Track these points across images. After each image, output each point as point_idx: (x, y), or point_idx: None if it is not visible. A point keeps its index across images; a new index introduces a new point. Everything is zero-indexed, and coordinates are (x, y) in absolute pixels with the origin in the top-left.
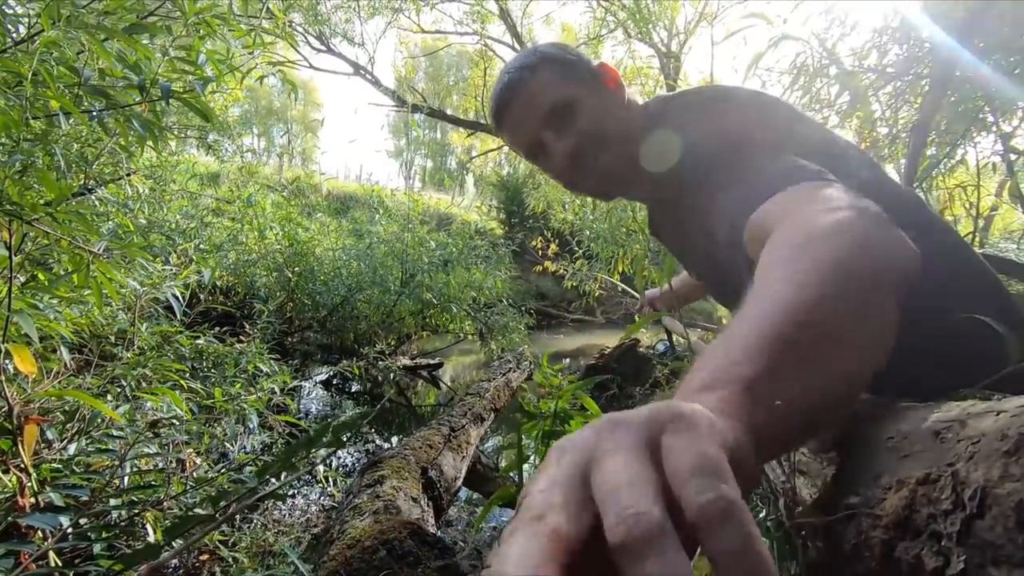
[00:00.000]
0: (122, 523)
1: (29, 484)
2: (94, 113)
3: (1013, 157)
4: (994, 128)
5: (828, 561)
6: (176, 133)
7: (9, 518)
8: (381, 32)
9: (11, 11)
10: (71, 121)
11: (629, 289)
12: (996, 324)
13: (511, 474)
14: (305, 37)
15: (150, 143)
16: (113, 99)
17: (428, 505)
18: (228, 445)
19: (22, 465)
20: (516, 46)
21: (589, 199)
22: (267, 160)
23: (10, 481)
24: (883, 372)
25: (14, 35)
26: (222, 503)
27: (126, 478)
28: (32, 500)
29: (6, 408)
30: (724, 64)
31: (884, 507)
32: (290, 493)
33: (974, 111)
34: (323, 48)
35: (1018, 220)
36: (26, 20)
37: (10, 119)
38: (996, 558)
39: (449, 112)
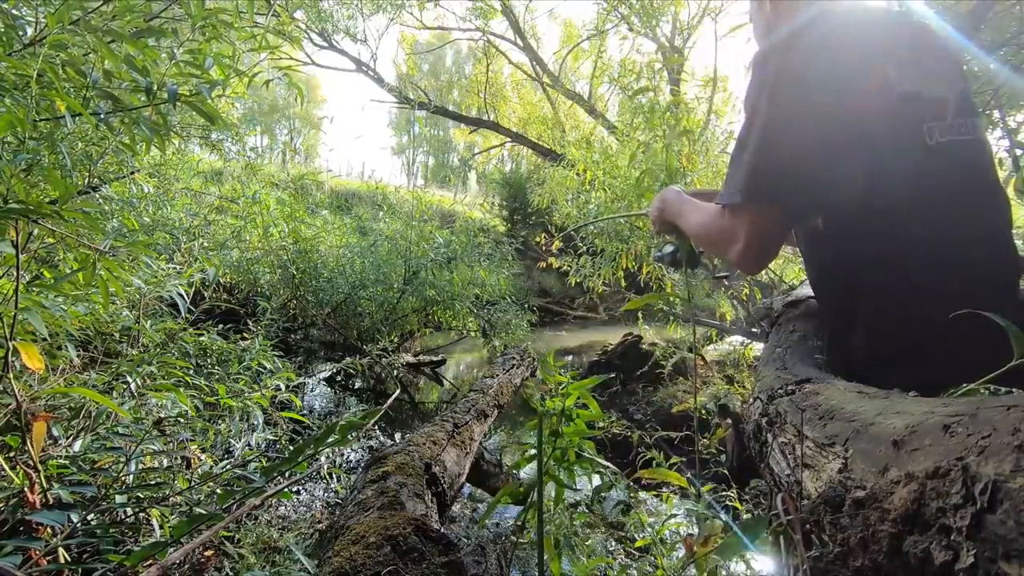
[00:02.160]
0: (128, 520)
1: (38, 481)
2: (101, 116)
3: (1019, 152)
4: (1000, 123)
5: (834, 555)
6: (179, 132)
7: (19, 514)
8: (384, 29)
9: (19, 14)
10: (76, 120)
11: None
12: (999, 319)
13: (515, 472)
14: (307, 34)
15: (156, 145)
16: (120, 102)
17: (432, 501)
18: (233, 442)
19: (30, 462)
20: (519, 42)
21: (591, 197)
22: (269, 158)
23: (17, 477)
24: (898, 361)
25: (24, 39)
26: (229, 501)
27: (131, 475)
28: (40, 497)
29: (14, 405)
30: (729, 58)
31: (892, 501)
32: (295, 489)
33: (980, 106)
34: (325, 45)
35: None
36: (34, 23)
37: (15, 118)
38: (1007, 552)
39: (451, 108)
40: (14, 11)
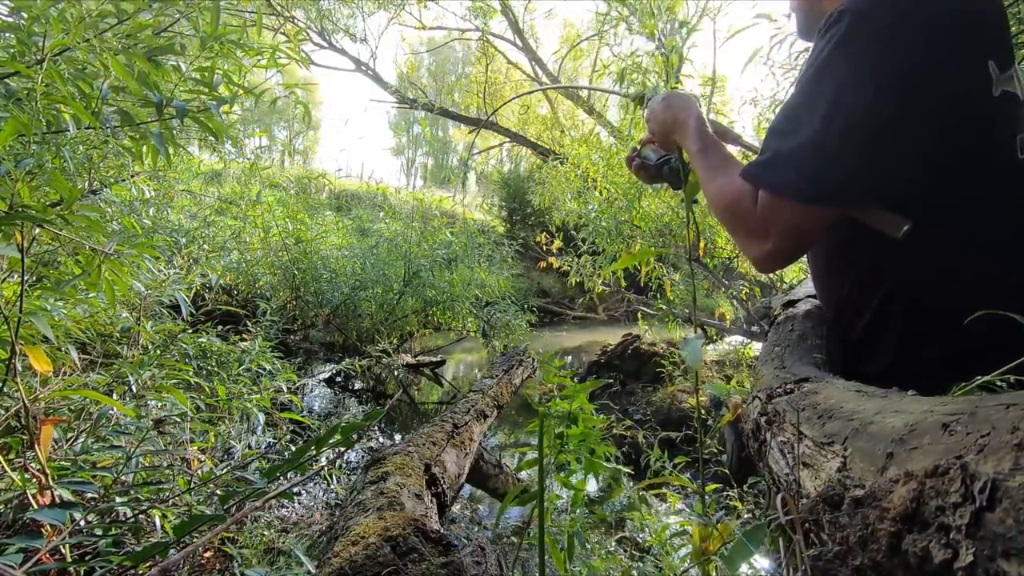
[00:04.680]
0: (129, 520)
1: (46, 483)
2: (109, 128)
3: None
4: None
5: (833, 554)
6: (179, 138)
7: (26, 514)
8: (383, 28)
9: (34, 30)
10: (80, 126)
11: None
12: (1018, 317)
13: (519, 473)
14: (306, 33)
15: (163, 157)
16: (129, 116)
17: (432, 502)
18: (233, 443)
19: (38, 465)
20: (518, 42)
21: (595, 197)
22: (268, 159)
23: (18, 480)
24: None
25: (36, 55)
26: (230, 502)
27: (132, 475)
28: (48, 500)
29: (19, 407)
30: (729, 58)
31: (891, 499)
32: (296, 491)
33: None
34: (324, 45)
35: None
36: (43, 37)
37: (20, 123)
38: (1006, 551)
39: (451, 109)
40: (31, 26)
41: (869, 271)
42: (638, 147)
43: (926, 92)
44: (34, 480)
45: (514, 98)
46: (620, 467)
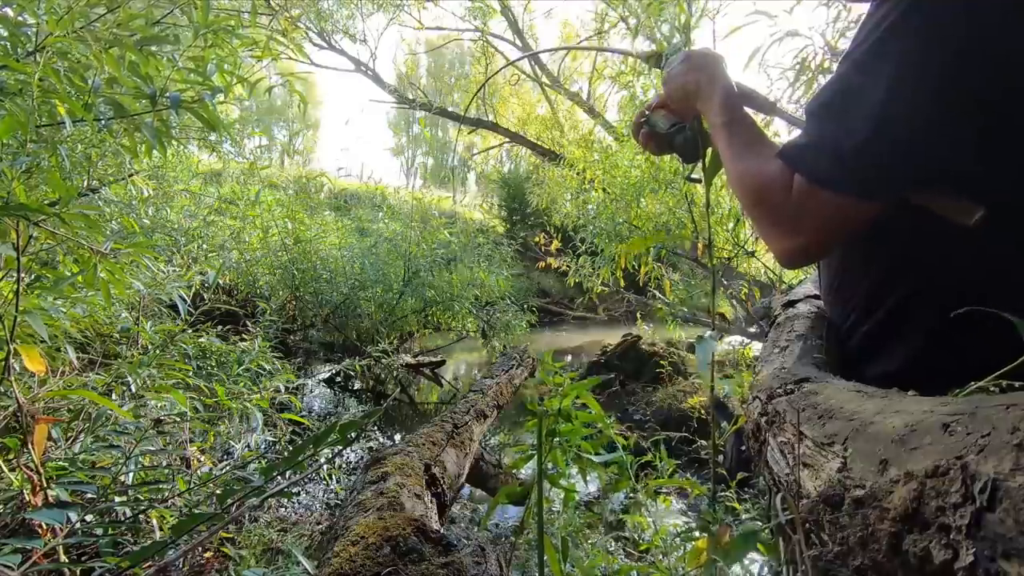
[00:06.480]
0: (128, 520)
1: (39, 483)
2: (103, 121)
3: None
4: None
5: (833, 554)
6: (177, 136)
7: (22, 515)
8: (383, 29)
9: (23, 21)
10: (76, 123)
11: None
12: (1011, 317)
13: (514, 471)
14: (306, 33)
15: (158, 150)
16: (123, 108)
17: (431, 502)
18: (232, 443)
19: (32, 464)
20: (517, 42)
21: (592, 197)
22: (267, 158)
23: (16, 480)
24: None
25: (28, 47)
26: (228, 501)
27: (131, 475)
28: (42, 498)
29: (14, 407)
30: (728, 56)
31: (892, 499)
32: (295, 491)
33: None
34: (324, 45)
35: None
36: (36, 30)
37: (17, 121)
38: (1007, 551)
39: (451, 109)
40: (17, 17)
41: (895, 267)
42: (646, 112)
43: (1007, 72)
44: (29, 480)
45: (503, 67)
46: (623, 457)
